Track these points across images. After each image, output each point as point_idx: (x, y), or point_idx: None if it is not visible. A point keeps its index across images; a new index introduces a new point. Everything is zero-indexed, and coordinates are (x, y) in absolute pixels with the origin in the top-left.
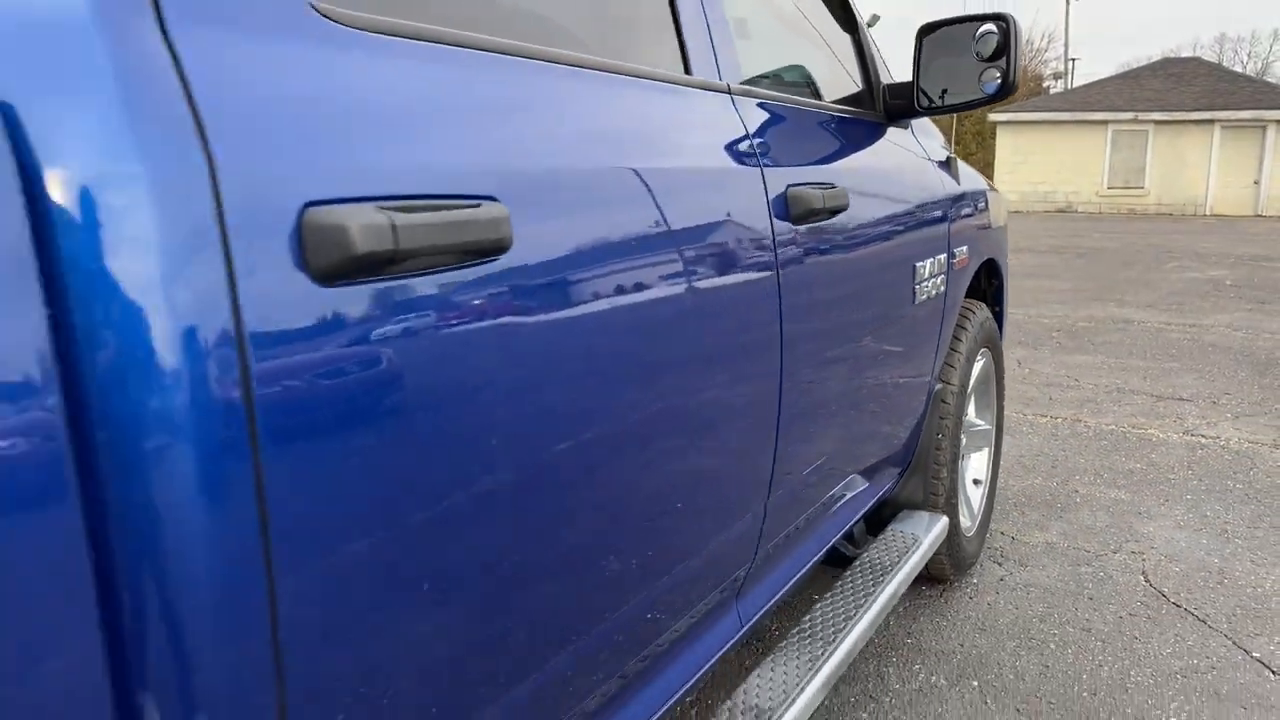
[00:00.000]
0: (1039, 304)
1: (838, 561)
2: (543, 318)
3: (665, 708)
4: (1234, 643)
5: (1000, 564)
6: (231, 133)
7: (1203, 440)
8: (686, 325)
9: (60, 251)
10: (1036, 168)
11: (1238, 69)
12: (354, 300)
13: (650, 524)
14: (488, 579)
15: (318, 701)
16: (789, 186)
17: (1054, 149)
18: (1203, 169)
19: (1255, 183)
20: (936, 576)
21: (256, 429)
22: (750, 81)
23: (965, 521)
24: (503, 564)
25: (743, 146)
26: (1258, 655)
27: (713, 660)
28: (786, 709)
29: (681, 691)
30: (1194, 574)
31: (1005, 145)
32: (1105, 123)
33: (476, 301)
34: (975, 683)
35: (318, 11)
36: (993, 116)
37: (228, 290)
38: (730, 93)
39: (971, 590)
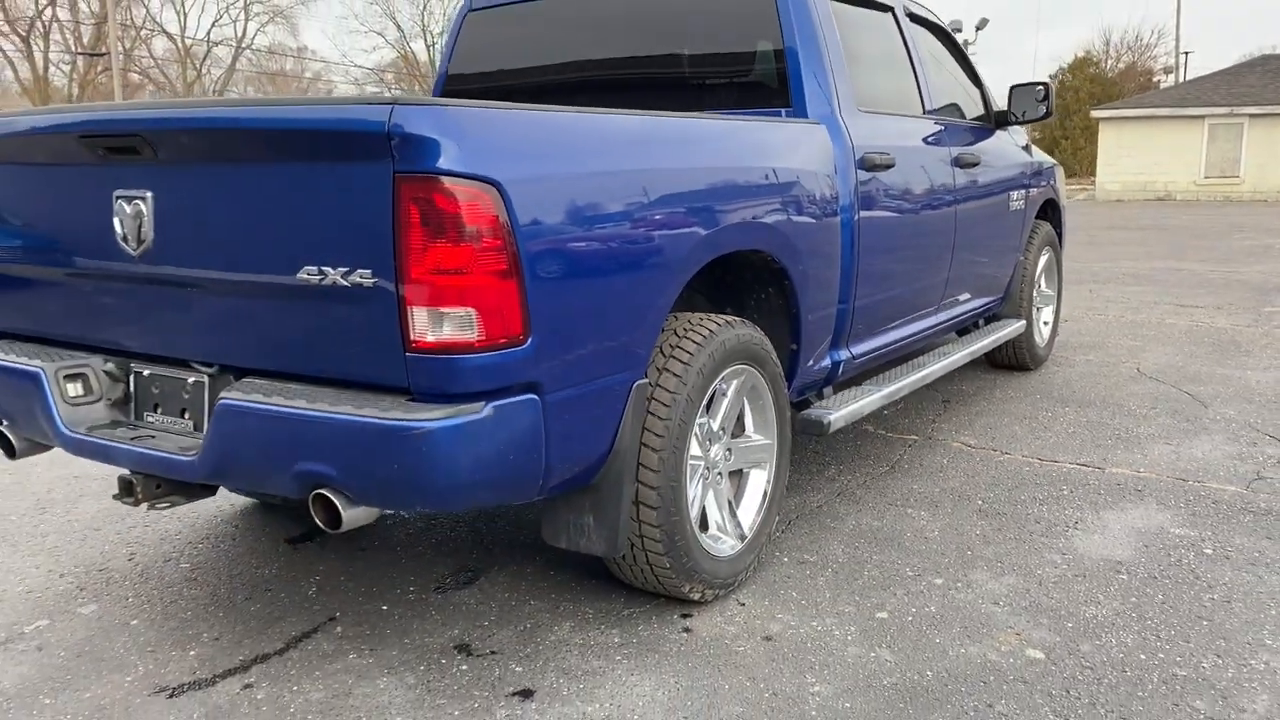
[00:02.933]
0: (1115, 260)
1: (964, 332)
2: (901, 183)
3: (924, 332)
4: (1176, 388)
5: (1058, 366)
6: (853, 134)
7: (1200, 324)
8: (933, 199)
9: (850, 171)
10: (1137, 159)
11: None
12: (869, 176)
13: (928, 271)
14: (900, 270)
15: (861, 299)
16: (959, 154)
17: (1153, 142)
18: None
19: None
20: (1021, 366)
21: (858, 203)
22: (937, 111)
23: (1038, 339)
24: (904, 270)
25: (936, 137)
26: (1188, 391)
27: (937, 320)
28: (947, 365)
29: (932, 328)
30: (1165, 368)
31: (1107, 139)
32: (1202, 117)
33: (887, 178)
34: (1038, 395)
35: (860, 110)
36: (1095, 113)
37: (854, 167)
38: (933, 118)
39: (1039, 373)
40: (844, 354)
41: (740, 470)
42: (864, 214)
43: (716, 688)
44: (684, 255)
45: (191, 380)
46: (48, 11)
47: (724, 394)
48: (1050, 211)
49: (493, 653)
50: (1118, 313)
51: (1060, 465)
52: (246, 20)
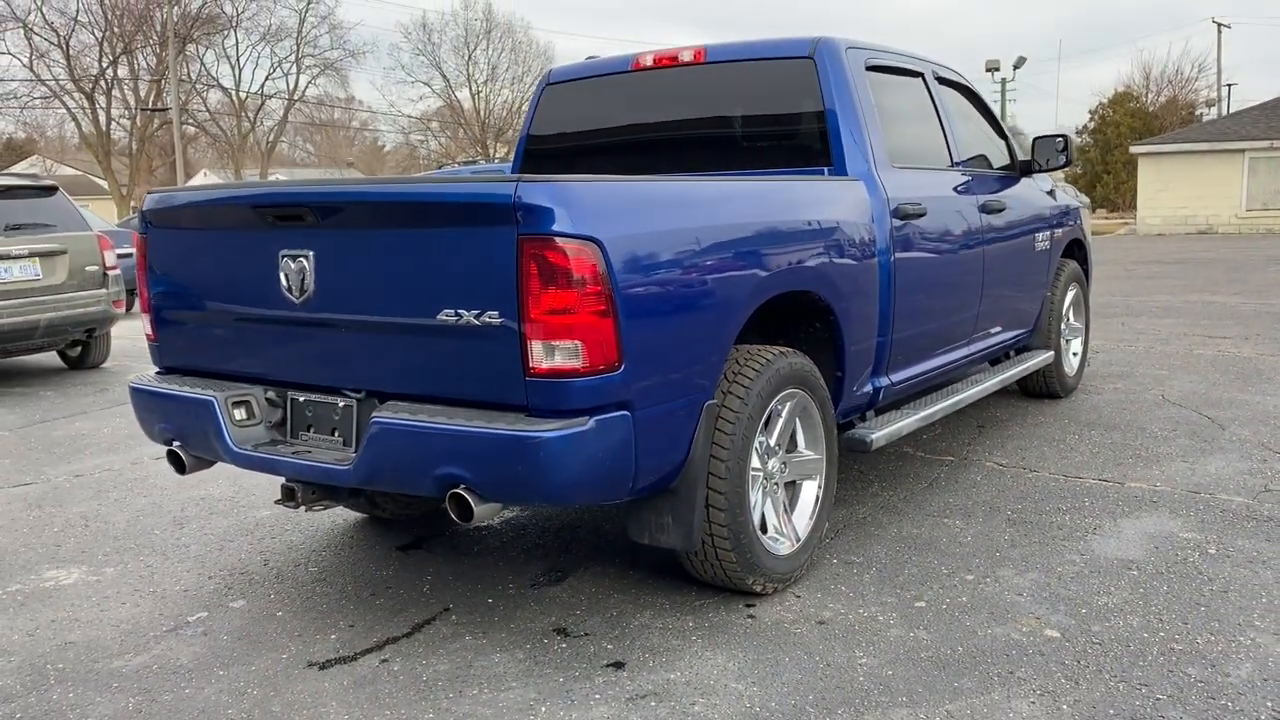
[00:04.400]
0: (1150, 294)
1: (995, 362)
2: (932, 229)
3: (957, 362)
4: (1197, 412)
5: (1087, 394)
6: (888, 186)
7: (1226, 353)
8: (962, 243)
9: (885, 220)
10: (1177, 194)
11: None
12: (903, 224)
13: (959, 306)
14: (933, 306)
15: (898, 332)
16: (986, 200)
17: (1193, 176)
18: None
19: None
20: (1052, 394)
21: (894, 248)
22: (964, 162)
23: (1067, 369)
24: (937, 306)
25: (964, 187)
26: (1208, 415)
27: (969, 351)
28: (980, 391)
29: (964, 358)
30: (1188, 395)
31: (1147, 174)
32: (1242, 151)
33: (919, 225)
34: (1066, 420)
35: (894, 166)
36: (1134, 148)
37: (889, 216)
38: (960, 169)
39: (1069, 400)
40: (884, 381)
41: (794, 481)
42: (899, 257)
43: (778, 660)
44: (746, 295)
45: (341, 404)
46: (109, 70)
47: (779, 414)
48: (1076, 250)
49: (586, 634)
50: (1147, 344)
51: (1083, 481)
52: (299, 73)
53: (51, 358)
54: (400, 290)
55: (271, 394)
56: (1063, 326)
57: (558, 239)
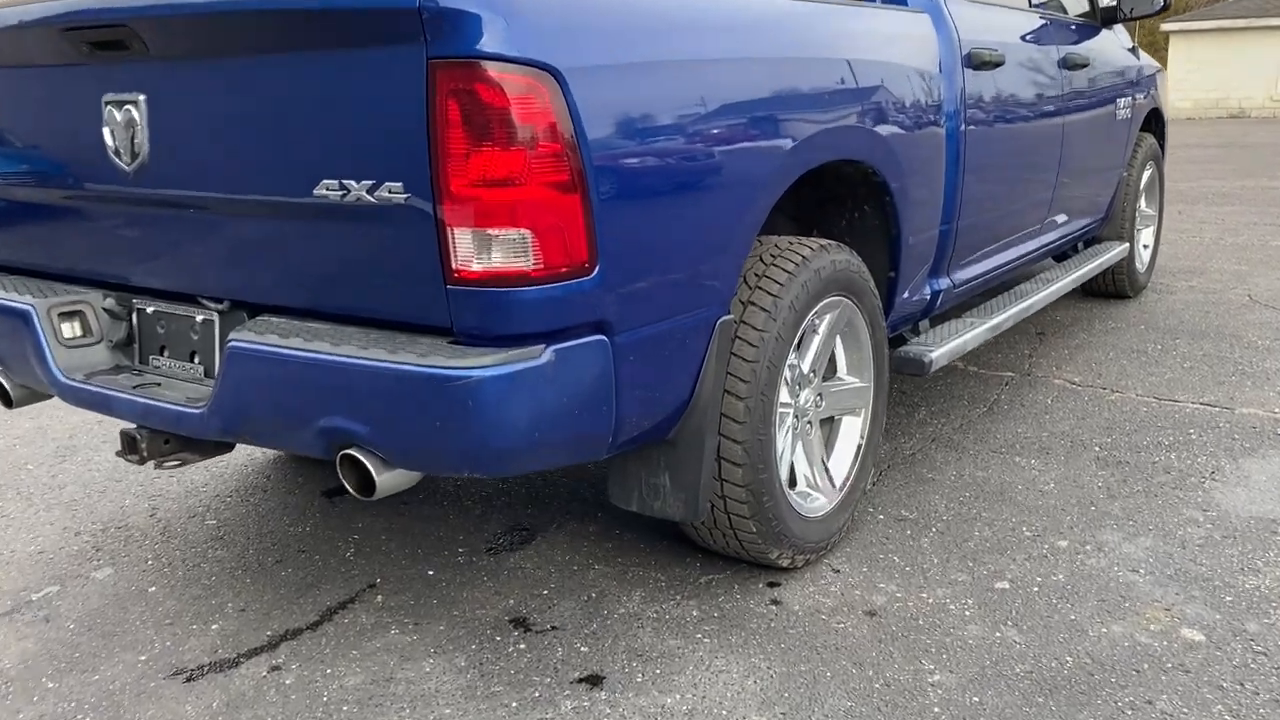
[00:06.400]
0: (1199, 179)
1: (1061, 257)
2: (1010, 84)
3: (1026, 256)
4: None
5: (1158, 294)
6: (960, 24)
7: None
8: (1041, 105)
9: (957, 69)
10: (1209, 75)
11: None
12: (978, 75)
13: (1036, 186)
14: (1007, 186)
15: (964, 219)
16: (1067, 53)
17: (1226, 56)
18: None
19: None
20: (1120, 294)
21: (967, 104)
22: (1042, 5)
23: (1138, 264)
24: (1011, 186)
25: (1044, 33)
26: None
27: (1039, 244)
28: (1052, 294)
29: (1034, 252)
30: (1276, 295)
31: (1178, 54)
32: (1278, 29)
33: (996, 78)
34: (1142, 326)
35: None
36: (1165, 26)
37: (960, 65)
38: (1041, 11)
39: (1139, 301)
40: (944, 282)
41: (831, 418)
42: (971, 119)
43: (817, 675)
44: (779, 165)
45: (200, 319)
46: None
47: (816, 330)
48: (1154, 122)
49: (553, 628)
50: (1215, 234)
51: (1181, 405)
52: None
53: None
54: (263, 152)
55: (111, 302)
56: (1137, 215)
57: (491, 66)
